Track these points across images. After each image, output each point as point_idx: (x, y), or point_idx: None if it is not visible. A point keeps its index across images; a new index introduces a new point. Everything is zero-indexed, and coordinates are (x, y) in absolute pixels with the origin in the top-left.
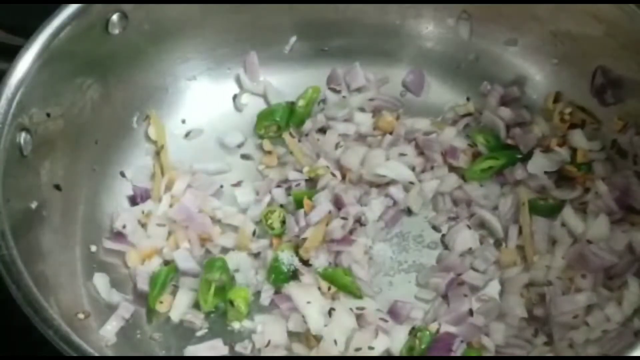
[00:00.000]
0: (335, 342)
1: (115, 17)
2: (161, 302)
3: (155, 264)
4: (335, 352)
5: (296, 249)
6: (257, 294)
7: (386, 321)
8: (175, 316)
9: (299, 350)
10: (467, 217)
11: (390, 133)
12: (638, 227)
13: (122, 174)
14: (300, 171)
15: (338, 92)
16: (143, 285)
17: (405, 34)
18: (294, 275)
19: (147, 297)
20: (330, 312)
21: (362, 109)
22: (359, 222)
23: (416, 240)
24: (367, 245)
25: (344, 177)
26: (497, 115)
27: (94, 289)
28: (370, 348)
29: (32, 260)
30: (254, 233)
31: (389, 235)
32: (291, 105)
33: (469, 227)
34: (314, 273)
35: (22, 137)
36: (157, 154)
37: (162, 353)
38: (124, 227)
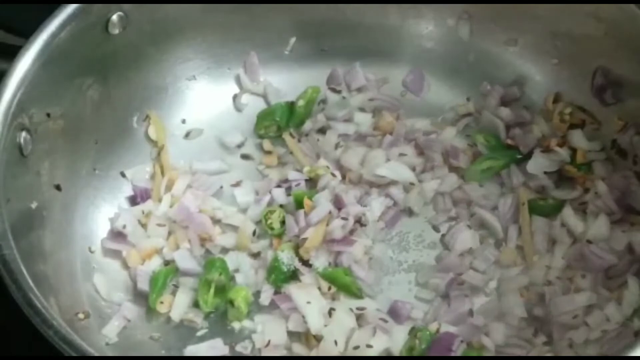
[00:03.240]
0: (336, 342)
1: (115, 17)
2: (161, 302)
3: (155, 264)
4: (335, 353)
5: (296, 249)
6: (257, 294)
7: (386, 321)
8: (175, 316)
9: (299, 350)
10: (467, 217)
11: (390, 133)
12: (638, 227)
13: (122, 174)
14: (300, 171)
15: (338, 92)
16: (143, 285)
17: (405, 34)
18: (294, 275)
19: (147, 297)
20: (330, 312)
21: (362, 109)
22: (359, 222)
23: (416, 240)
24: (367, 245)
25: (344, 177)
26: (497, 116)
27: (94, 289)
28: (369, 346)
29: (32, 260)
30: (254, 233)
31: (389, 235)
32: (291, 105)
33: (469, 227)
34: (314, 273)
35: (22, 137)
36: (158, 154)
37: (162, 353)
38: (124, 227)
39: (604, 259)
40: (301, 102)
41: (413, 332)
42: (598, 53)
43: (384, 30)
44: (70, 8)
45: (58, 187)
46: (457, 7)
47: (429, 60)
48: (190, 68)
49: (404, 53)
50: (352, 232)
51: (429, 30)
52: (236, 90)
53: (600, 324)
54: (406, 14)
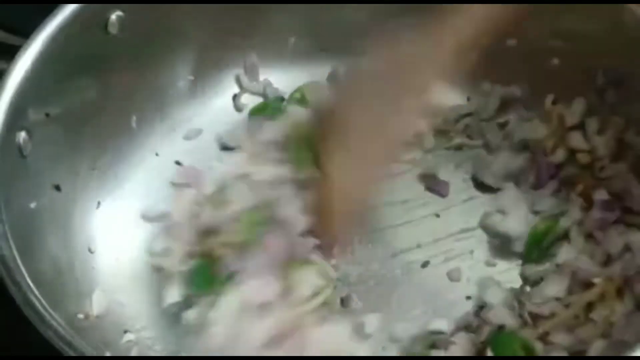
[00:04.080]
0: None
1: (114, 17)
2: None
3: None
4: None
5: None
6: None
7: None
8: None
9: None
10: None
11: None
12: (634, 228)
13: None
14: None
15: None
16: None
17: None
18: None
19: None
20: None
21: None
22: None
23: None
24: None
25: None
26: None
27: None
28: None
29: (32, 260)
30: None
31: None
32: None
33: None
34: None
35: (22, 137)
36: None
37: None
38: None
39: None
40: None
41: None
42: (599, 53)
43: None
44: (70, 8)
45: (58, 188)
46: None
47: None
48: (190, 68)
49: None
50: None
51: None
52: (236, 90)
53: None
54: (406, 14)
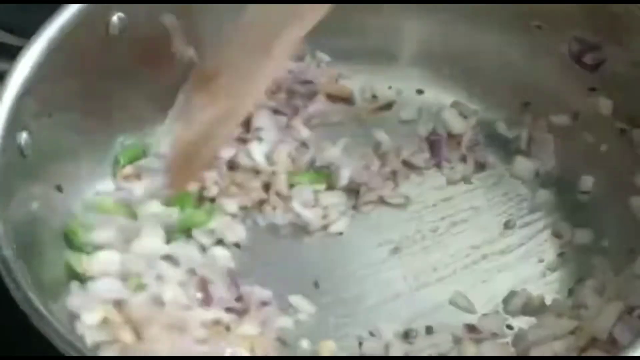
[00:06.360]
0: None
1: (115, 18)
2: None
3: None
4: None
5: None
6: None
7: None
8: None
9: None
10: None
11: None
12: None
13: None
14: None
15: None
16: None
17: (405, 34)
18: None
19: None
20: None
21: None
22: None
23: None
24: None
25: None
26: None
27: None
28: None
29: (32, 260)
30: None
31: None
32: None
33: None
34: None
35: (23, 137)
36: None
37: None
38: None
39: None
40: None
41: None
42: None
43: (384, 30)
44: (71, 9)
45: (59, 188)
46: (457, 7)
47: (429, 60)
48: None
49: (404, 53)
50: None
51: (429, 30)
52: None
53: None
54: (406, 14)
